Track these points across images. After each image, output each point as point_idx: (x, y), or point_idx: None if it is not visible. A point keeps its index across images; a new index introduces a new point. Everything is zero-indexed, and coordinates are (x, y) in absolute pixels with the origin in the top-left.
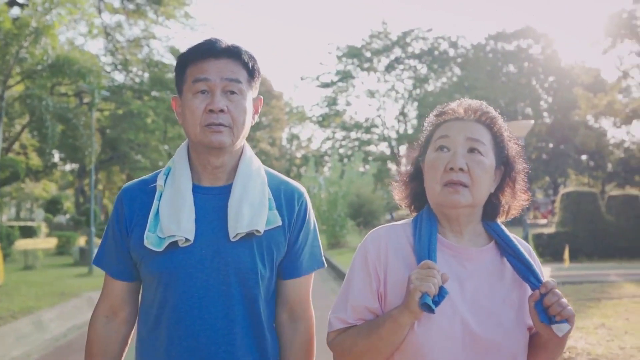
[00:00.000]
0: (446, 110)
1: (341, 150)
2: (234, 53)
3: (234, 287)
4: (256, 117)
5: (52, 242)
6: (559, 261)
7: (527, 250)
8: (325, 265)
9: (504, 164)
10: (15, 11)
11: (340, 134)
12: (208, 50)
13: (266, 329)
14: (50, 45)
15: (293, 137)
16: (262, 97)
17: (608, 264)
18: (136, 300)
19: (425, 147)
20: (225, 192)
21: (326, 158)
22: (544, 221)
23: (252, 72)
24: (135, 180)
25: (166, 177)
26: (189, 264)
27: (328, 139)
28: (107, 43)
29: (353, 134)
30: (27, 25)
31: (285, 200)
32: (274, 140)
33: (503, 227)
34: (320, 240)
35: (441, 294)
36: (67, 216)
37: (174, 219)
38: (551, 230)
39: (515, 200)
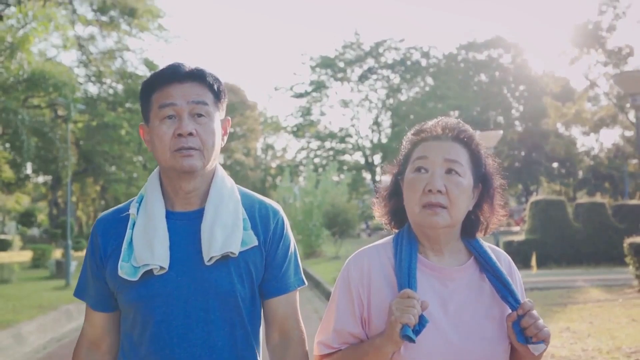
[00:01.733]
0: (424, 128)
1: (316, 160)
2: (198, 76)
3: (214, 312)
4: (225, 138)
5: (26, 255)
6: (528, 268)
7: (507, 263)
8: (306, 283)
9: (482, 181)
10: None
11: (314, 144)
12: (172, 75)
13: (250, 354)
14: (26, 60)
15: (268, 147)
16: (229, 118)
17: (575, 270)
18: (118, 330)
19: (404, 165)
20: (198, 216)
21: (301, 168)
22: (517, 228)
23: (217, 94)
24: (110, 210)
25: (139, 205)
26: (166, 292)
27: (303, 148)
28: (81, 55)
29: (327, 144)
30: (3, 40)
31: (260, 219)
32: (249, 151)
33: (482, 243)
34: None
35: (421, 322)
36: (41, 229)
37: (148, 247)
38: (521, 237)
39: (494, 216)
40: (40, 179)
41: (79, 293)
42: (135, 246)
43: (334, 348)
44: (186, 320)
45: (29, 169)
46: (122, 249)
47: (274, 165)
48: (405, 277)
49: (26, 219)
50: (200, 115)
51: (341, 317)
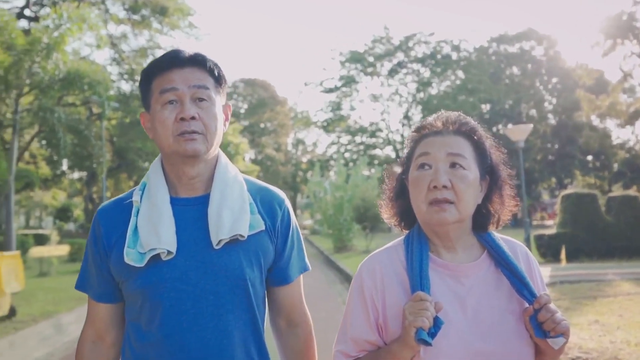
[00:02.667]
0: (425, 124)
1: (346, 155)
2: (198, 61)
3: (224, 297)
4: (227, 124)
5: (63, 249)
6: (559, 261)
7: (524, 254)
8: (310, 268)
9: (489, 173)
10: (22, 23)
11: (345, 139)
12: (172, 60)
13: (257, 337)
14: (61, 60)
15: (298, 142)
16: (230, 104)
17: (607, 263)
18: (122, 322)
19: (407, 164)
20: (203, 201)
21: (332, 162)
22: (550, 222)
23: (218, 79)
24: (111, 199)
25: (142, 193)
26: (174, 277)
27: (333, 143)
28: (114, 53)
29: (358, 138)
30: (39, 41)
31: (264, 205)
32: (280, 146)
33: (495, 236)
34: (303, 244)
35: (437, 324)
36: (77, 224)
37: (153, 232)
38: (552, 231)
39: (504, 208)
40: (76, 175)
41: (81, 285)
42: (141, 232)
43: (352, 356)
44: (196, 305)
45: (64, 165)
46: (127, 236)
47: (304, 160)
48: (417, 279)
49: (63, 214)
50: (201, 100)
51: (356, 325)
